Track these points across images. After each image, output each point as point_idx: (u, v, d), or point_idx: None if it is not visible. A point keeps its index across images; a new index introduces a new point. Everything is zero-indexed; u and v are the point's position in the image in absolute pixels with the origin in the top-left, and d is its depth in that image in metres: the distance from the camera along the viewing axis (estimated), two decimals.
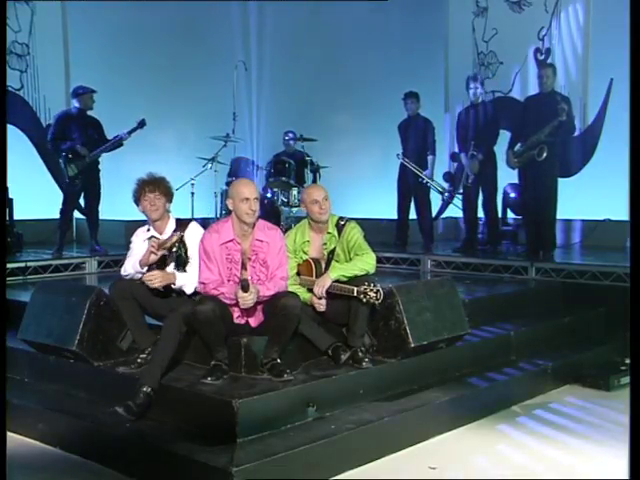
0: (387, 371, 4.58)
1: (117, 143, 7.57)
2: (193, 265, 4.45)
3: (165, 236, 4.55)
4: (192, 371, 4.30)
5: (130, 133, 7.50)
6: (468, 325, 5.05)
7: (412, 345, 4.59)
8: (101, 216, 7.88)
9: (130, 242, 4.71)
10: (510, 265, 7.11)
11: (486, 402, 4.78)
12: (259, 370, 4.22)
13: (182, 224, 4.63)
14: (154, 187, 4.53)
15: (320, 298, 4.54)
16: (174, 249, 4.49)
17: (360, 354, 4.48)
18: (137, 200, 4.58)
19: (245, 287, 4.12)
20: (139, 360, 4.43)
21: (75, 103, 7.59)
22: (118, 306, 4.50)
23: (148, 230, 4.64)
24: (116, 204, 7.89)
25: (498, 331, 5.62)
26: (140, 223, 4.79)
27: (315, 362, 4.50)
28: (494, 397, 4.87)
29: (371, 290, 4.28)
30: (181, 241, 4.49)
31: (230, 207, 4.37)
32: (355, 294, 4.34)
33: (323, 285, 4.49)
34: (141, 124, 7.46)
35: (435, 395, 4.52)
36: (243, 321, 4.39)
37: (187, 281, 4.43)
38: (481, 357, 5.20)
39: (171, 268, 4.49)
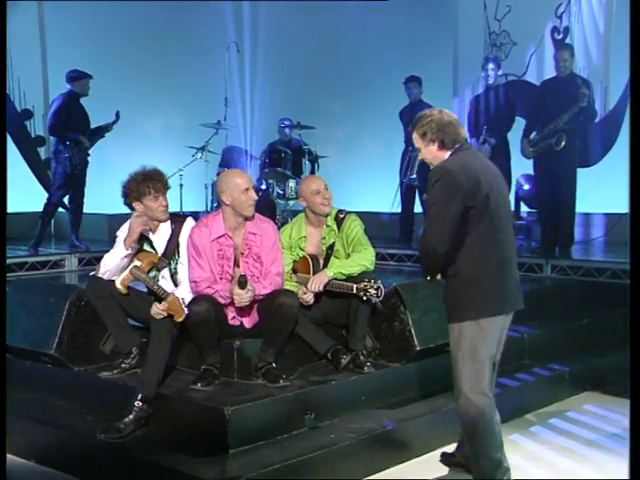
0: (391, 376, 4.59)
1: (103, 134, 7.68)
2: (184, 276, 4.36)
3: (160, 234, 4.41)
4: (181, 376, 4.30)
5: (112, 124, 7.65)
6: None
7: (417, 348, 4.59)
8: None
9: (116, 237, 4.52)
10: (523, 262, 7.06)
11: (498, 410, 4.77)
12: (253, 375, 4.22)
13: (177, 220, 4.46)
14: (162, 185, 4.32)
15: (312, 293, 4.48)
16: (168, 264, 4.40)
17: (362, 358, 4.49)
18: (134, 198, 4.31)
19: (243, 283, 4.10)
20: (123, 365, 4.40)
21: (70, 88, 7.57)
22: (96, 307, 4.41)
23: None
24: (98, 196, 7.90)
25: (511, 333, 5.51)
26: (126, 216, 4.61)
27: (313, 366, 4.51)
28: (506, 405, 4.83)
29: (371, 287, 4.28)
30: (173, 253, 4.39)
31: (227, 202, 4.30)
32: (354, 291, 4.33)
33: (320, 281, 4.45)
34: (117, 116, 7.66)
35: (443, 402, 4.51)
36: (237, 322, 4.39)
37: (185, 294, 4.26)
38: None
39: (165, 273, 4.42)
